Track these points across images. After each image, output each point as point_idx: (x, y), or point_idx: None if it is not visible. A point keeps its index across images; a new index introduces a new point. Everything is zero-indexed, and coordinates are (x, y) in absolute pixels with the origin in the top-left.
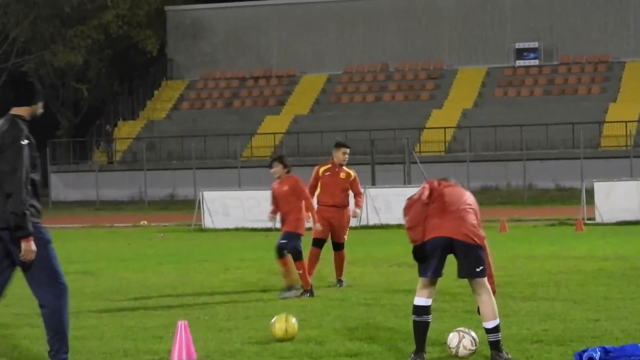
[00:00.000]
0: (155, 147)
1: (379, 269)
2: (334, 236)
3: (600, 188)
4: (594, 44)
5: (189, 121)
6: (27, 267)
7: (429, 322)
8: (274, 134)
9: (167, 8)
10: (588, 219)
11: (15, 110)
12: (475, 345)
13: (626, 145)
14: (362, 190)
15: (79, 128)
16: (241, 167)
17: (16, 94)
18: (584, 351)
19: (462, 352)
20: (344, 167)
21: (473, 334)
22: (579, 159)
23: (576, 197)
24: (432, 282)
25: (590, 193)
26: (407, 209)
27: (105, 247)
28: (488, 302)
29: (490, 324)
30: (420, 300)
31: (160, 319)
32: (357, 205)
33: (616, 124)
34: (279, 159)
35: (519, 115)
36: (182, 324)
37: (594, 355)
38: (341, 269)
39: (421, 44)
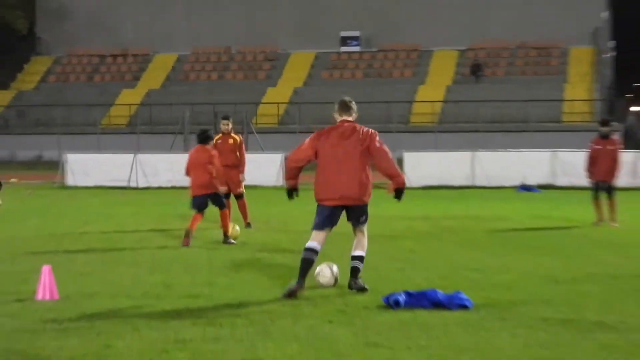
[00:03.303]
0: (25, 114)
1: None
2: (232, 190)
3: (409, 158)
4: (408, 35)
5: (55, 92)
6: None
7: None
8: (130, 105)
9: None
10: None
11: None
12: (333, 276)
13: (432, 122)
14: (244, 152)
15: None
16: (100, 134)
17: None
18: (390, 295)
19: (322, 279)
20: (232, 134)
21: (335, 268)
22: (392, 132)
23: None
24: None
25: (400, 162)
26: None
27: None
28: (362, 239)
29: (357, 252)
30: (313, 244)
31: (26, 265)
32: (241, 166)
33: (424, 103)
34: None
35: (343, 94)
36: (46, 268)
37: (399, 298)
38: (245, 214)
39: (260, 29)
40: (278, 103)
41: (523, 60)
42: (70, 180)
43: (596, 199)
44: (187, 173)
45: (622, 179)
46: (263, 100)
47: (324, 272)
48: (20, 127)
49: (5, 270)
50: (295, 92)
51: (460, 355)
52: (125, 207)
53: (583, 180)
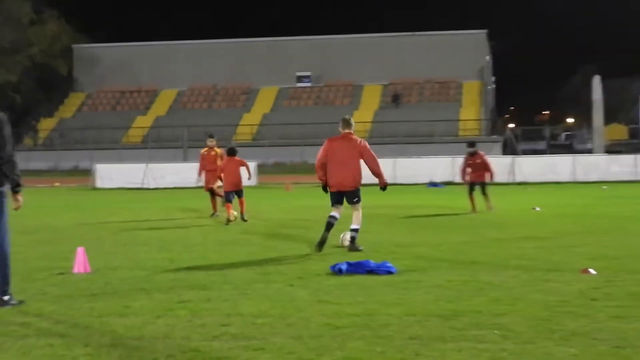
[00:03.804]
0: (65, 136)
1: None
2: (211, 184)
3: None
4: (346, 74)
5: (87, 119)
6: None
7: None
8: (143, 127)
9: (74, 46)
10: None
11: None
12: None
13: (364, 137)
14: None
15: (14, 123)
16: (121, 149)
17: None
18: (336, 264)
19: (345, 242)
20: (215, 149)
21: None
22: None
23: None
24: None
25: None
26: None
27: (26, 200)
28: (358, 215)
29: (354, 226)
30: (333, 213)
31: (66, 247)
32: (218, 170)
33: (358, 123)
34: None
35: (299, 118)
36: (81, 249)
37: (342, 266)
38: (215, 206)
39: (238, 72)
40: (251, 125)
41: (430, 91)
42: (99, 184)
43: (470, 195)
44: (219, 174)
45: (501, 177)
46: (240, 123)
47: (345, 236)
48: (62, 145)
49: (50, 251)
50: (264, 116)
51: (388, 308)
52: (140, 202)
53: None
